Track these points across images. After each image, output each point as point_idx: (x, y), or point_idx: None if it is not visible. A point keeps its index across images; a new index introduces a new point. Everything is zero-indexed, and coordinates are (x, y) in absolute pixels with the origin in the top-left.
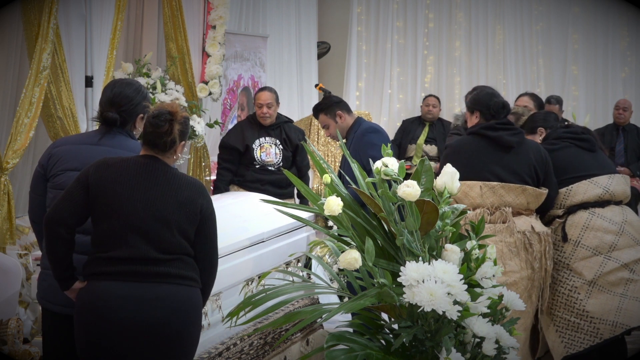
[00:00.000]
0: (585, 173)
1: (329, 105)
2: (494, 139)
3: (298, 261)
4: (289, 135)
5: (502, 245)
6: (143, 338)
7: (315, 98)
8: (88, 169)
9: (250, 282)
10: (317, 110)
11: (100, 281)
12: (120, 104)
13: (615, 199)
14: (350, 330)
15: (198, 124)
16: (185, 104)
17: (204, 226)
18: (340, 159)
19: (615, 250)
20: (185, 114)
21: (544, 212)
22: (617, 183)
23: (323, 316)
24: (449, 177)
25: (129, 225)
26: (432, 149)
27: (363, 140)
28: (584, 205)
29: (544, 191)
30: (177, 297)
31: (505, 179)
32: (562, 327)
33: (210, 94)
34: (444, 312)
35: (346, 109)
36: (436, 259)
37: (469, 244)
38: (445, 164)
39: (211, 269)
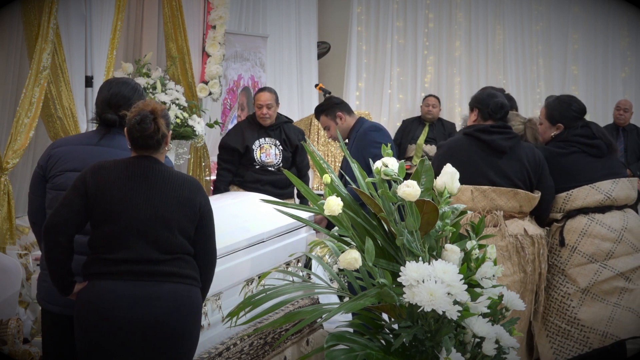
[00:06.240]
0: (589, 181)
1: (329, 107)
2: (488, 143)
3: (298, 261)
4: (288, 135)
5: None
6: (144, 337)
7: (315, 98)
8: (84, 175)
9: (250, 282)
10: (318, 111)
11: (102, 281)
12: (118, 104)
13: (618, 204)
14: (350, 330)
15: (198, 124)
16: (185, 104)
17: (203, 224)
18: (341, 159)
19: (612, 258)
20: (162, 106)
21: (542, 217)
22: (620, 188)
23: (323, 316)
24: (449, 177)
25: (132, 227)
26: (432, 149)
27: (366, 139)
28: (584, 210)
29: (537, 195)
30: (178, 296)
31: (497, 183)
32: (553, 333)
33: (210, 94)
34: (444, 312)
35: (347, 110)
36: (436, 259)
37: (469, 244)
38: (438, 164)
39: (210, 266)
